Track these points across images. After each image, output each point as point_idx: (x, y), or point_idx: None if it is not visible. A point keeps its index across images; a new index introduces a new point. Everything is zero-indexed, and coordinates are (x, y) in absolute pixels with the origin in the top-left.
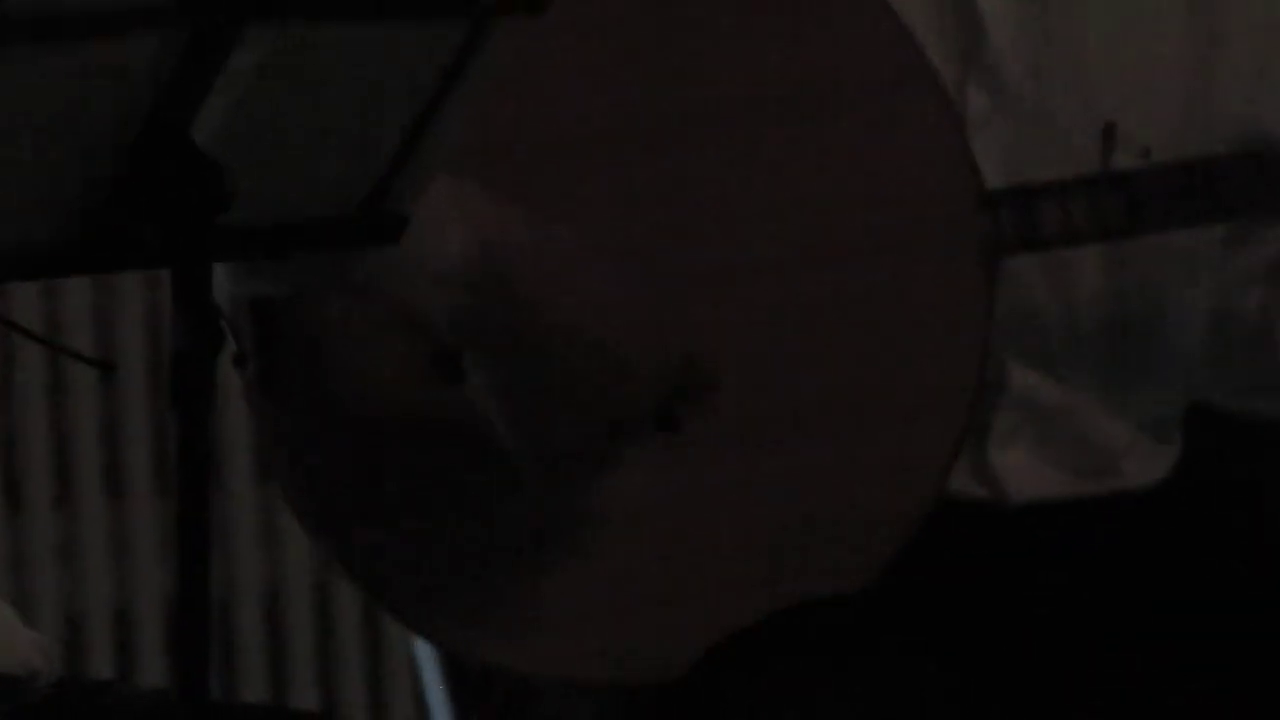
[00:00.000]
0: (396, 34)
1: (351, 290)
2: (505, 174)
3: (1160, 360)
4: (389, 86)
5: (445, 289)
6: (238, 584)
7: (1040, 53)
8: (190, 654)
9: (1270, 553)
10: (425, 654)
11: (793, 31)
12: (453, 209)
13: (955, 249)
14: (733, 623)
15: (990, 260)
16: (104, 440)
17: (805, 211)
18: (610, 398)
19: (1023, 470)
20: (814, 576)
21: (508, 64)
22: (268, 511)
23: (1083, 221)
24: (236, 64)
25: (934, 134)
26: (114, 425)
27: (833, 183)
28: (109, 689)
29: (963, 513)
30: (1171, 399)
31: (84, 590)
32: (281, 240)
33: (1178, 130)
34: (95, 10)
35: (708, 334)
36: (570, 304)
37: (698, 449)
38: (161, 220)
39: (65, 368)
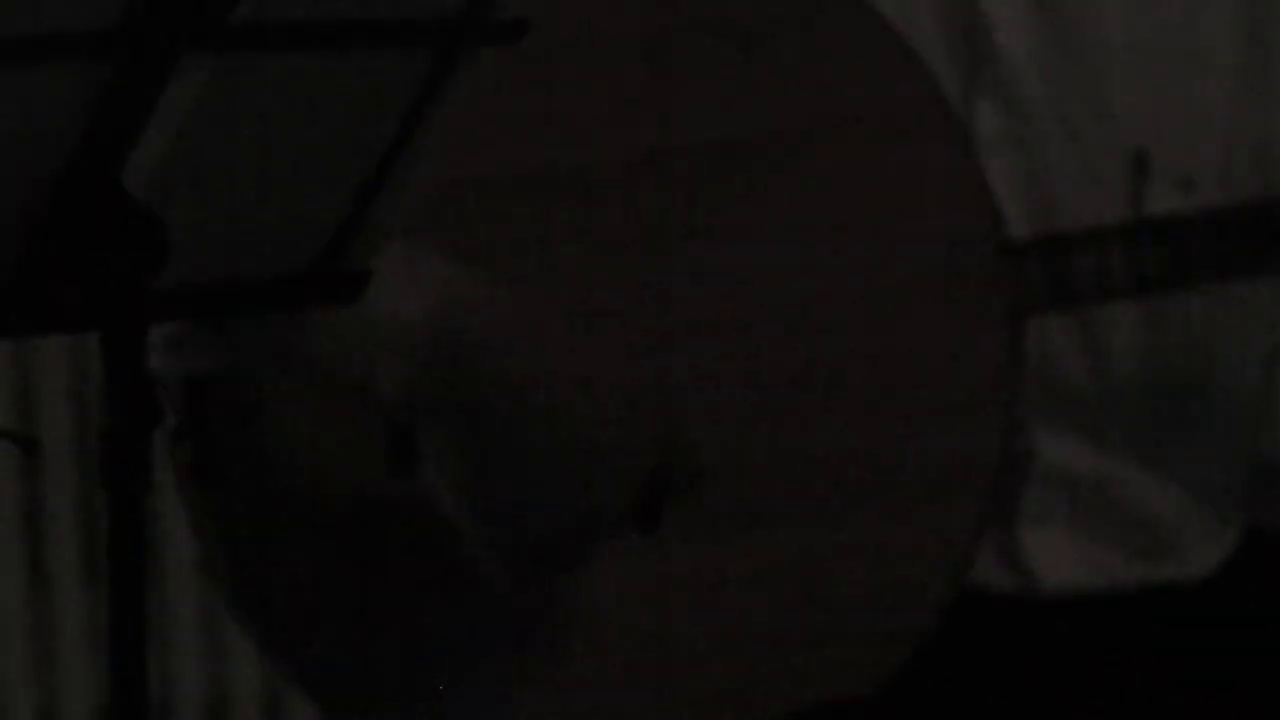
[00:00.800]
0: (352, 68)
1: (295, 364)
2: (464, 229)
3: (1211, 421)
4: (346, 125)
5: (398, 360)
6: (178, 688)
7: (1059, 64)
8: None
9: None
10: None
11: (793, 69)
12: (406, 269)
13: (977, 305)
14: None
15: (1016, 317)
16: (26, 525)
17: (806, 265)
18: (583, 487)
19: (1057, 554)
20: (817, 682)
21: (464, 105)
22: (212, 606)
23: (1121, 275)
24: (170, 99)
25: (953, 177)
26: (37, 508)
27: (838, 233)
28: None
29: (988, 606)
30: (1227, 467)
31: (4, 689)
32: (225, 301)
33: (1221, 159)
34: (12, 38)
35: (694, 407)
36: (537, 378)
37: (683, 539)
38: (88, 278)
39: None
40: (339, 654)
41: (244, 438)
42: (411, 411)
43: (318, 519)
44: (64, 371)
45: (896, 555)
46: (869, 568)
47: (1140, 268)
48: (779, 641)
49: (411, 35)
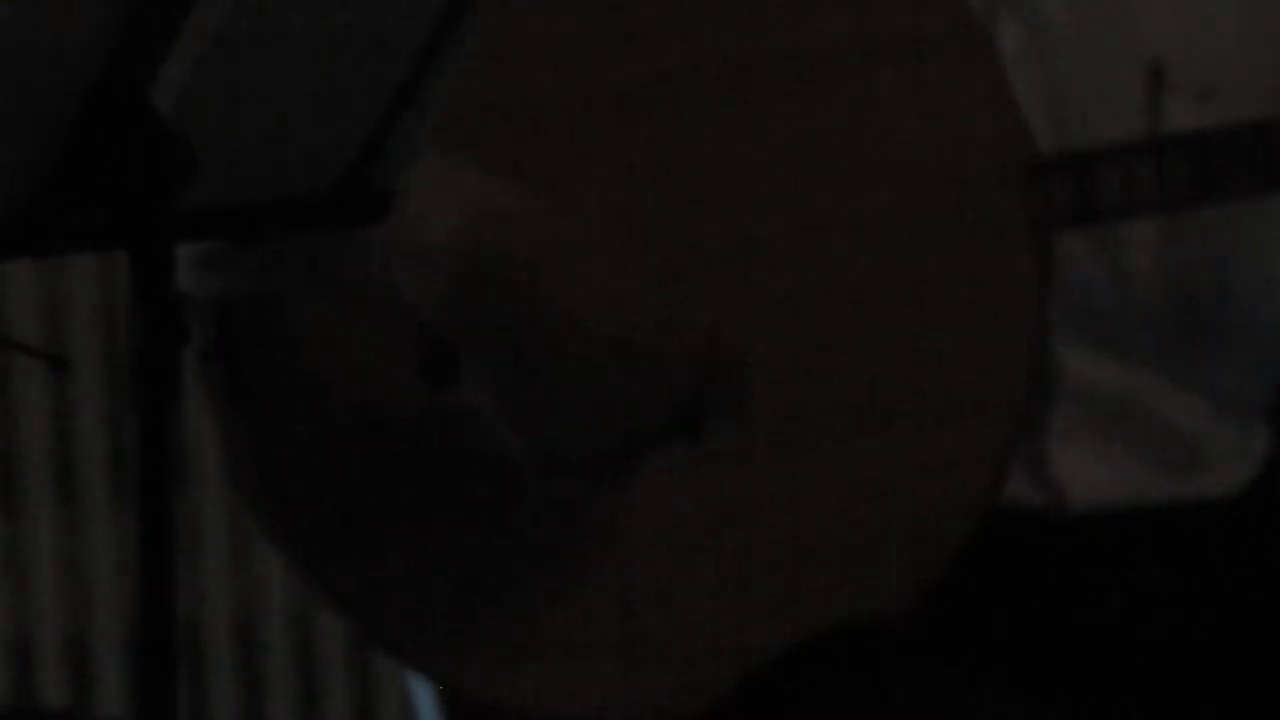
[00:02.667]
0: None
1: (327, 283)
2: (498, 144)
3: (1234, 338)
4: (370, 45)
5: (434, 276)
6: (207, 604)
7: None
8: (154, 683)
9: None
10: (418, 688)
11: None
12: (439, 185)
13: (1004, 223)
14: (760, 652)
15: (1043, 235)
16: (55, 443)
17: (836, 183)
18: (626, 399)
19: (1086, 470)
20: (852, 597)
21: (499, 21)
22: (240, 522)
23: (1146, 190)
24: (197, 20)
25: (980, 94)
26: (65, 426)
27: (866, 151)
28: (61, 718)
29: (1018, 521)
30: (1253, 382)
31: (33, 610)
32: (252, 221)
33: (1242, 69)
34: None
35: (734, 322)
36: (577, 292)
37: (722, 457)
38: (116, 198)
39: (10, 362)
40: (371, 571)
41: (276, 354)
42: (448, 326)
43: (350, 435)
44: (92, 290)
45: (931, 470)
46: (905, 482)
47: (1165, 183)
48: (823, 554)
49: None
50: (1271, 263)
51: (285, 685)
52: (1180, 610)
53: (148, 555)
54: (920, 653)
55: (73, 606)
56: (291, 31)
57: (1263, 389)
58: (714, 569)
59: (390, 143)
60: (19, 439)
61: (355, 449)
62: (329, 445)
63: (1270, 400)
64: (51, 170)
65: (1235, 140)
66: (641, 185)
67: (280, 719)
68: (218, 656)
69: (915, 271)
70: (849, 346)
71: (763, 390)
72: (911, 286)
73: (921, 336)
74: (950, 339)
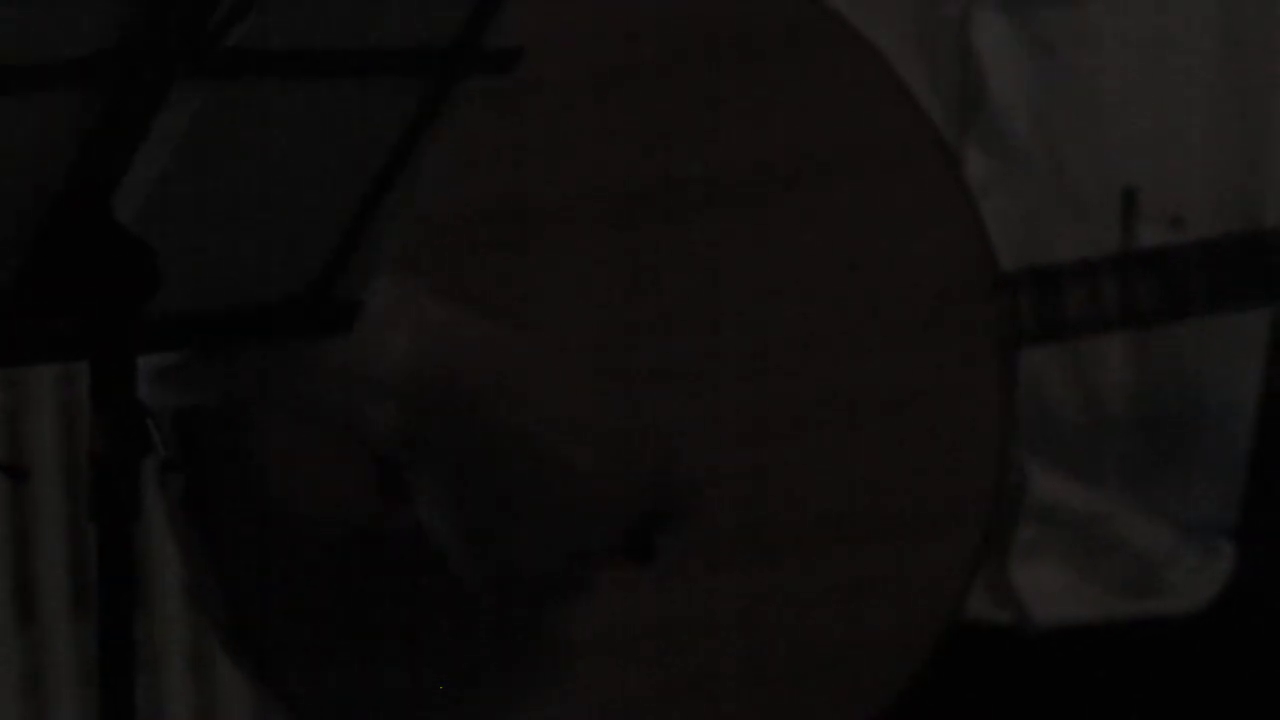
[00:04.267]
0: (346, 95)
1: (284, 398)
2: (447, 265)
3: (1203, 459)
4: (338, 154)
5: (384, 399)
6: (168, 718)
7: (1050, 108)
8: None
9: None
10: None
11: (778, 99)
12: (394, 306)
13: (969, 338)
14: None
15: (1008, 350)
16: (14, 556)
17: (796, 298)
18: (574, 521)
19: (1049, 589)
20: (810, 713)
21: (451, 139)
22: (201, 638)
23: (1112, 306)
24: (162, 127)
25: (944, 209)
26: (25, 539)
27: (828, 265)
28: None
29: (981, 639)
30: (1219, 504)
31: None
32: (215, 330)
33: (1212, 196)
34: (4, 66)
35: (686, 441)
36: (528, 415)
37: (676, 571)
38: (78, 307)
39: None
40: (331, 684)
41: (235, 468)
42: (400, 448)
43: (310, 549)
44: (53, 400)
45: (893, 584)
46: (867, 596)
47: (1132, 299)
48: (781, 669)
49: (404, 64)
50: (1241, 383)
51: None
52: None
53: (108, 666)
54: None
55: (32, 716)
56: (255, 142)
57: (1228, 510)
58: (669, 684)
59: (356, 254)
60: None
61: (313, 562)
62: (287, 558)
63: (1236, 521)
64: (12, 279)
65: (1201, 255)
66: (595, 303)
67: None
68: None
69: (878, 385)
70: (810, 460)
71: (716, 505)
72: (875, 400)
73: (884, 450)
74: (914, 453)
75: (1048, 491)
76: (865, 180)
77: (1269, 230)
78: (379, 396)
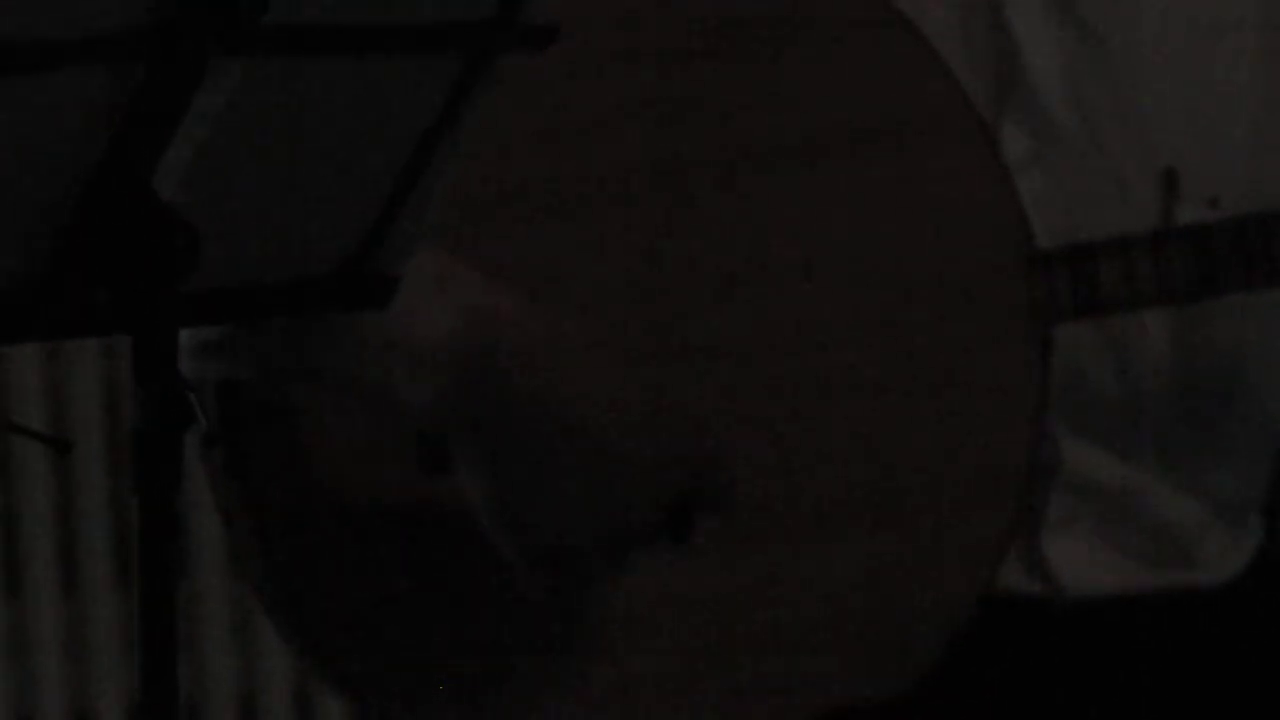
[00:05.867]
0: (383, 71)
1: (325, 371)
2: (490, 241)
3: (1237, 436)
4: (376, 130)
5: (426, 371)
6: (209, 687)
7: (1088, 87)
8: None
9: None
10: None
11: (823, 75)
12: (435, 280)
13: (1004, 315)
14: None
15: (1043, 327)
16: (59, 526)
17: (830, 274)
18: (612, 499)
19: (1081, 561)
20: (848, 683)
21: (492, 115)
22: (242, 606)
23: (1148, 283)
24: (201, 104)
25: (980, 184)
26: (69, 509)
27: (864, 242)
28: None
29: (1014, 610)
30: (1251, 479)
31: (37, 691)
32: (255, 305)
33: (1250, 179)
34: (42, 41)
35: (724, 418)
36: (566, 392)
37: (715, 547)
38: (120, 282)
39: (15, 445)
40: (370, 651)
41: (277, 439)
42: (440, 421)
43: (350, 517)
44: (96, 374)
45: (928, 557)
46: (902, 569)
47: (1167, 276)
48: (818, 640)
49: (440, 39)
50: (1275, 360)
51: None
52: (1171, 697)
53: (150, 635)
54: None
55: (76, 686)
56: (294, 118)
57: (1259, 486)
58: (705, 656)
59: (394, 229)
60: (23, 521)
61: (356, 532)
62: (330, 528)
63: (1265, 496)
64: (56, 255)
65: (1236, 232)
66: (632, 280)
67: None
68: None
69: (914, 360)
70: (845, 436)
71: (754, 482)
72: (910, 375)
73: (920, 425)
74: (949, 428)
75: (1081, 466)
76: (901, 157)
77: None
78: (419, 370)
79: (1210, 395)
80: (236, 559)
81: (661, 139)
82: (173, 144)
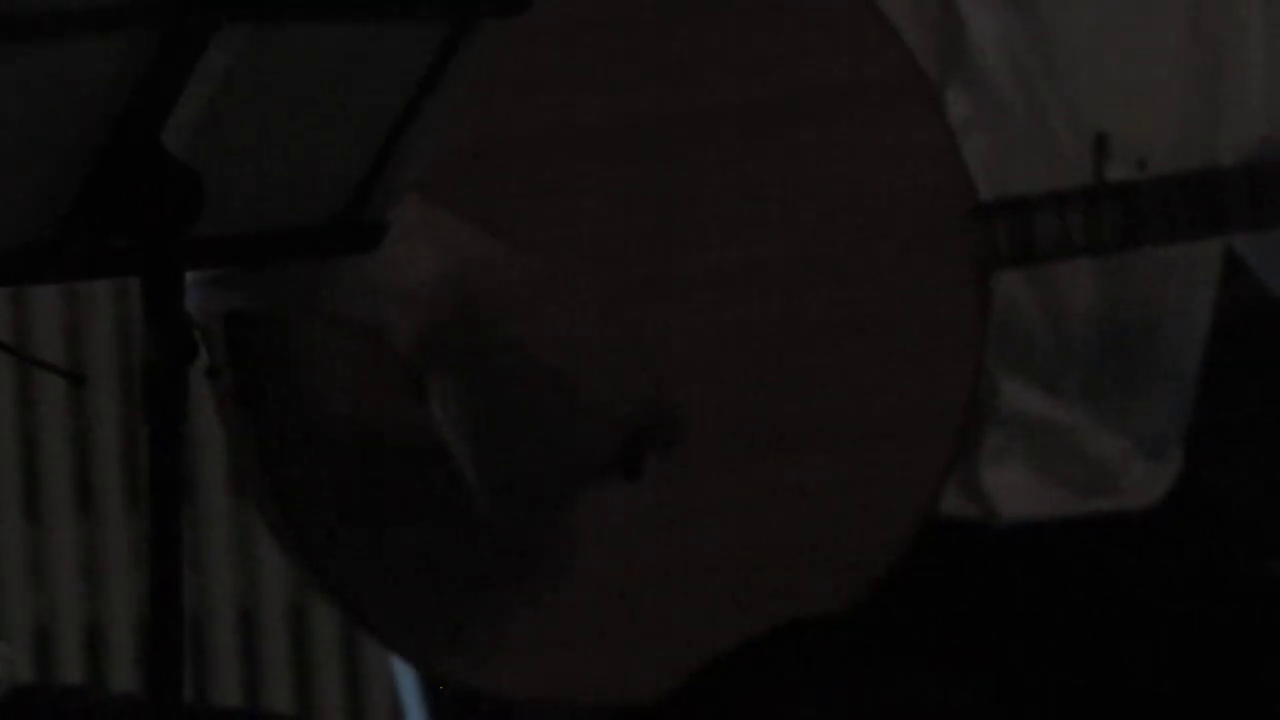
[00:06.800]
0: (373, 35)
1: (321, 308)
2: (474, 189)
3: (1158, 376)
4: (366, 90)
5: (410, 309)
6: (211, 600)
7: (1026, 55)
8: (162, 669)
9: (1267, 579)
10: (404, 674)
11: (777, 41)
12: (420, 228)
13: (947, 262)
14: (709, 646)
15: (984, 274)
16: (74, 453)
17: (787, 223)
18: (570, 438)
19: (1015, 488)
20: (800, 598)
21: (476, 73)
22: (242, 526)
23: (1079, 235)
24: (207, 66)
25: (925, 141)
26: (84, 438)
27: (816, 193)
28: (77, 693)
29: (953, 532)
30: (1170, 415)
31: (54, 605)
32: (255, 249)
33: (1176, 142)
34: (61, 10)
35: (682, 353)
36: (533, 336)
37: (673, 474)
38: (131, 228)
39: (34, 379)
40: (361, 562)
41: (279, 367)
42: (420, 355)
43: (345, 440)
44: (108, 312)
45: (877, 483)
46: (853, 493)
47: (1096, 229)
48: (776, 557)
49: (428, 5)
50: (1194, 310)
51: (282, 669)
52: (1098, 612)
53: (158, 553)
54: (862, 648)
55: (90, 600)
56: (291, 78)
57: (1178, 423)
58: (667, 572)
59: (384, 179)
60: (41, 449)
61: (350, 452)
62: (326, 449)
63: (1183, 429)
64: (73, 204)
65: (1160, 191)
66: (603, 227)
67: (277, 701)
68: (221, 644)
69: (865, 304)
70: (801, 371)
71: (713, 411)
72: (857, 320)
73: (868, 363)
74: (896, 365)
75: (1015, 402)
76: (856, 117)
77: (1222, 169)
78: (403, 309)
79: (1133, 339)
80: (240, 479)
81: (632, 100)
82: (180, 102)
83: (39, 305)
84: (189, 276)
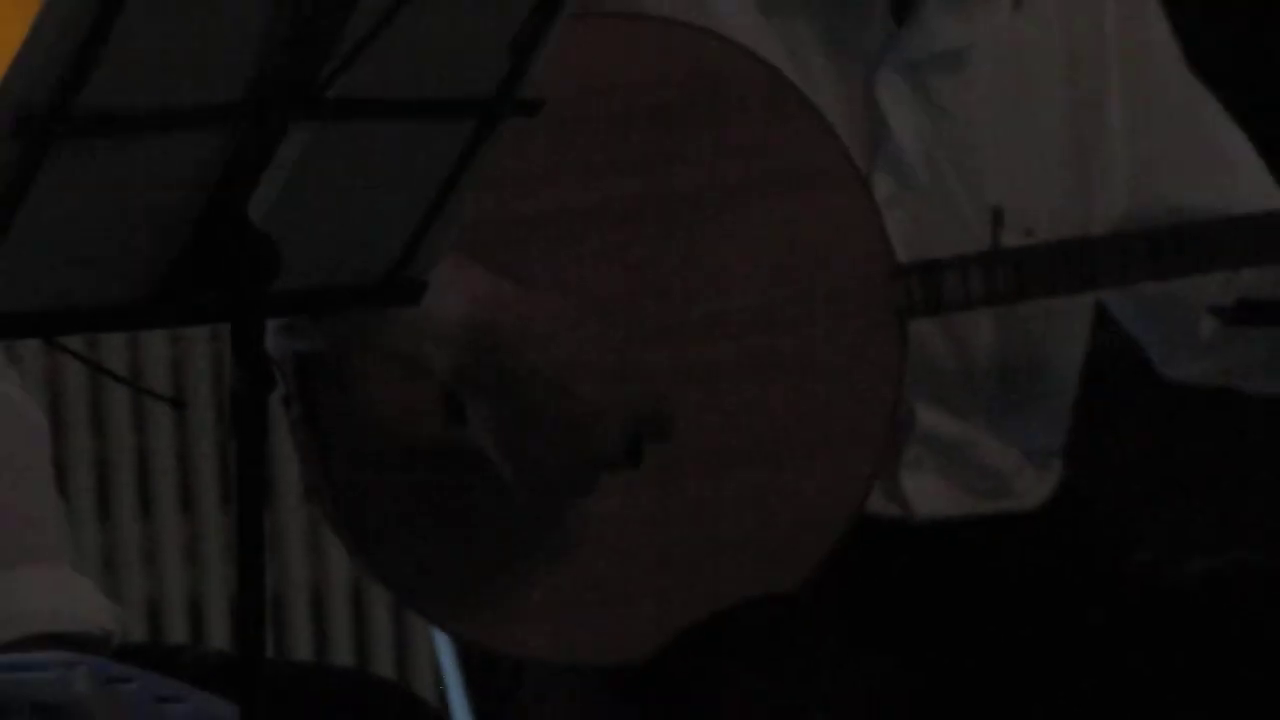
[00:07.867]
0: (417, 130)
1: (372, 347)
2: (499, 249)
3: (1043, 401)
4: (411, 172)
5: (447, 346)
6: (287, 582)
7: (936, 145)
8: (249, 637)
9: (1131, 565)
10: (443, 641)
11: (737, 136)
12: (453, 279)
13: (874, 313)
14: (683, 617)
15: (902, 322)
16: (178, 464)
17: (745, 282)
18: (584, 437)
19: (928, 493)
20: (754, 579)
21: (501, 158)
22: (313, 524)
23: (979, 290)
24: (285, 153)
25: (856, 215)
26: (186, 452)
27: (768, 257)
28: (186, 650)
29: (878, 528)
30: (1053, 432)
31: (162, 586)
32: (322, 301)
33: (1057, 215)
34: (167, 111)
35: (667, 383)
36: (552, 362)
37: (658, 477)
38: (222, 284)
39: (146, 405)
40: (407, 555)
41: (339, 395)
42: (457, 382)
43: (394, 455)
44: (205, 351)
45: (814, 489)
46: (794, 498)
47: (993, 285)
48: (737, 546)
49: (458, 109)
50: (1072, 349)
51: (345, 638)
52: (995, 595)
53: (245, 543)
54: (803, 620)
55: (191, 582)
56: (351, 162)
57: (1059, 437)
58: (649, 556)
59: (425, 245)
60: (152, 460)
61: (396, 464)
62: (377, 461)
63: (1063, 444)
64: (174, 264)
65: (1045, 254)
66: (602, 283)
67: (340, 664)
68: (295, 617)
69: (808, 346)
70: (756, 400)
71: (688, 430)
72: (804, 356)
73: (809, 393)
74: (833, 394)
75: (929, 423)
76: (799, 195)
77: (1093, 238)
78: (442, 344)
79: (1023, 372)
80: (308, 488)
81: (625, 183)
82: (261, 183)
83: (150, 345)
84: (269, 323)
